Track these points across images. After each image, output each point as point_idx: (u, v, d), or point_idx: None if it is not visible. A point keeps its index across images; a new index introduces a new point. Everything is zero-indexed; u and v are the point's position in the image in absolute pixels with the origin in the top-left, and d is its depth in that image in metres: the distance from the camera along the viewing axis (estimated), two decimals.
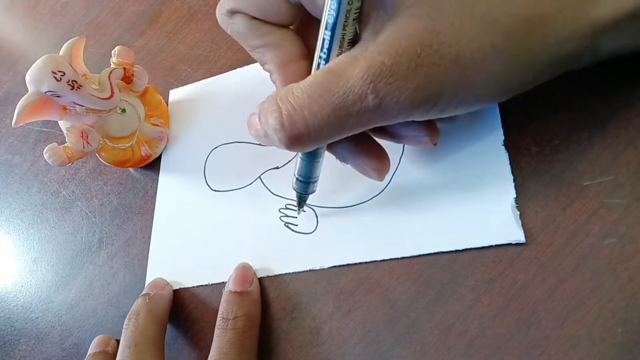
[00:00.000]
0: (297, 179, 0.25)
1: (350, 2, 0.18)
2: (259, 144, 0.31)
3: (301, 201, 0.27)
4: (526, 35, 0.18)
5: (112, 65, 0.32)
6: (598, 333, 0.20)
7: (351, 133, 0.21)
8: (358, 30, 0.20)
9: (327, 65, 0.20)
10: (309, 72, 0.22)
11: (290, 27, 0.23)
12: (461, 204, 0.24)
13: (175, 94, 0.37)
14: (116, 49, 0.32)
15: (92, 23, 0.46)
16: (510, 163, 0.24)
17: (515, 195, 0.23)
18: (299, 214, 0.28)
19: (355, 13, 0.19)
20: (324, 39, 0.20)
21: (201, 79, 0.36)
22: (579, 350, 0.20)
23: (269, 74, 0.24)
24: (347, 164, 0.25)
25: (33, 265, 0.38)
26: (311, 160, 0.24)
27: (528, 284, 0.22)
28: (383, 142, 0.24)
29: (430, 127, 0.23)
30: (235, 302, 0.26)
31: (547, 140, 0.23)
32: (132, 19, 0.43)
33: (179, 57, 0.39)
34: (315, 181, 0.25)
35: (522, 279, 0.22)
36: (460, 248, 0.23)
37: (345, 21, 0.19)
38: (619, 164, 0.22)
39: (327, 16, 0.19)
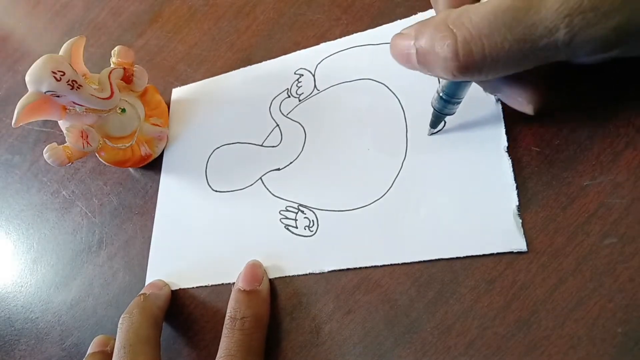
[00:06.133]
0: (440, 96, 0.23)
1: None
2: (261, 145, 0.31)
3: (436, 121, 0.24)
4: None
5: (112, 65, 0.32)
6: (598, 333, 0.20)
7: (527, 68, 0.19)
8: None
9: None
10: None
11: None
12: (463, 211, 0.24)
13: (177, 93, 0.37)
14: (116, 48, 0.32)
15: (92, 23, 0.46)
16: (513, 170, 0.23)
17: (517, 204, 0.23)
18: (430, 134, 0.25)
19: None
20: None
21: (201, 79, 0.36)
22: (579, 350, 0.20)
23: None
24: (496, 95, 0.23)
25: (33, 265, 0.37)
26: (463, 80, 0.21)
27: (528, 284, 0.22)
28: None
29: (536, 90, 0.21)
30: (243, 301, 0.26)
31: (547, 140, 0.23)
32: (132, 19, 0.43)
33: (179, 57, 0.38)
34: (459, 102, 0.23)
35: (522, 279, 0.22)
36: (461, 255, 0.23)
37: None
38: (619, 164, 0.22)
39: None
